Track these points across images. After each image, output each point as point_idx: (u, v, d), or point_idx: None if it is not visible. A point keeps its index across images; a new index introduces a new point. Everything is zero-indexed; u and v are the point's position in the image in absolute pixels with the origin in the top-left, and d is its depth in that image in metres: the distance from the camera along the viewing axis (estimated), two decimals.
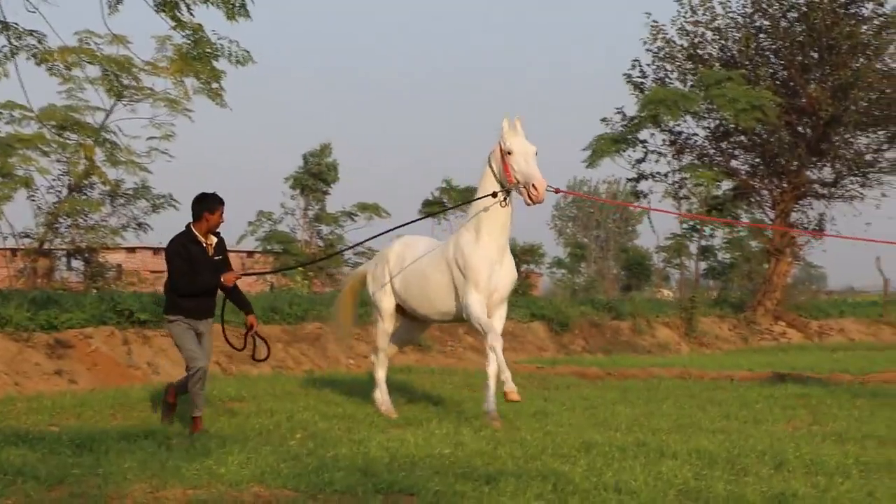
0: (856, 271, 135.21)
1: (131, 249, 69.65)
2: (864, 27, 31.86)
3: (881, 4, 31.83)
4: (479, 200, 11.70)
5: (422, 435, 10.10)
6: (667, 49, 33.30)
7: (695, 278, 37.45)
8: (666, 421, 11.41)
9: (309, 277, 35.87)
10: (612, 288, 56.54)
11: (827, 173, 33.60)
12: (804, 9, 31.65)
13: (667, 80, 33.16)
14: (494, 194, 11.52)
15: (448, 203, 41.10)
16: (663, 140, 32.73)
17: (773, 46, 32.69)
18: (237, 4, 10.77)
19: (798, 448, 9.09)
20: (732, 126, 30.88)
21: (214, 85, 12.99)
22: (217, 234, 10.93)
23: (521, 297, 37.42)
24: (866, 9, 31.93)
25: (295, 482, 7.75)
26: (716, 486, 7.23)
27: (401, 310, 12.84)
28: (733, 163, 33.76)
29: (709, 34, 33.17)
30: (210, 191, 10.86)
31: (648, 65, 33.58)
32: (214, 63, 13.82)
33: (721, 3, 32.82)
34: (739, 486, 7.23)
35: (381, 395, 12.70)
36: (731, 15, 32.96)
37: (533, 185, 11.18)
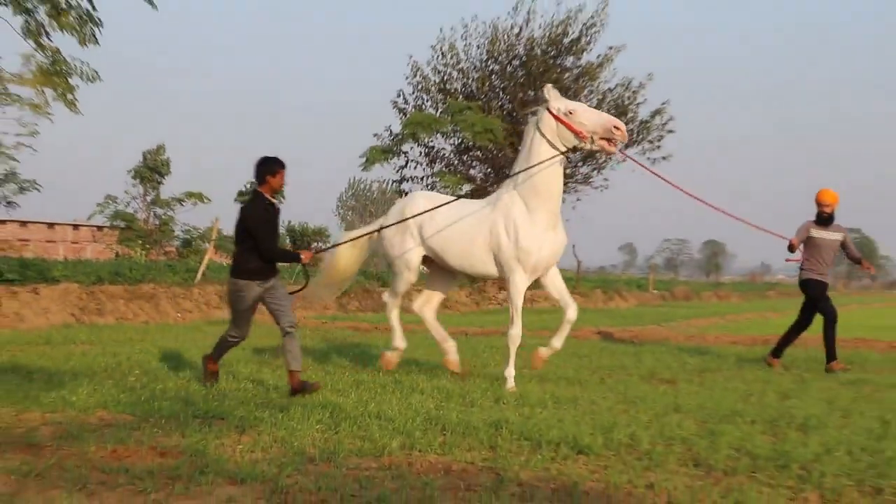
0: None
1: (23, 223, 67.04)
2: (567, 74, 32.87)
3: (579, 58, 33.01)
4: (533, 168, 9.57)
5: (232, 373, 10.12)
6: (423, 83, 33.74)
7: None
8: (415, 364, 11.62)
9: (146, 248, 35.74)
10: (381, 263, 56.70)
11: None
12: (524, 58, 32.58)
13: (423, 107, 33.56)
14: (572, 150, 9.71)
15: None
16: (420, 152, 33.13)
17: (502, 85, 33.37)
18: (87, 34, 10.55)
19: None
20: (471, 143, 31.40)
21: (69, 96, 12.62)
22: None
23: (312, 269, 37.59)
24: (569, 61, 33.01)
25: (131, 409, 7.74)
26: (450, 414, 7.45)
27: (428, 261, 10.67)
28: (472, 171, 34.29)
29: (455, 73, 33.68)
30: (271, 154, 8.87)
31: (410, 94, 34.04)
32: (69, 79, 13.48)
33: (464, 51, 33.48)
34: (468, 415, 7.46)
35: (396, 336, 10.92)
36: (471, 60, 33.59)
37: (616, 127, 9.25)
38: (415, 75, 33.74)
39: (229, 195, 44.63)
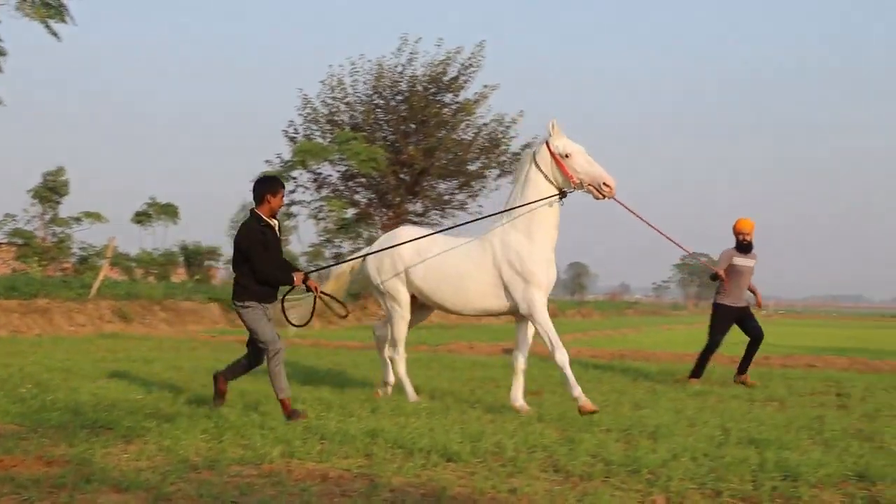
0: None
1: None
2: (446, 109, 33.07)
3: (457, 95, 33.29)
4: (535, 203, 8.65)
5: (122, 384, 9.80)
6: (312, 114, 33.51)
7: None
8: (301, 377, 11.31)
9: (43, 264, 34.66)
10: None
11: (419, 207, 34.53)
12: (407, 94, 32.65)
13: (312, 136, 33.28)
14: (562, 195, 8.73)
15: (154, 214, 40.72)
16: (308, 178, 32.83)
17: (386, 118, 33.32)
18: None
19: (389, 397, 9.42)
20: (356, 171, 31.29)
21: None
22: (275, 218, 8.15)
23: (203, 284, 36.85)
24: (447, 97, 33.22)
25: (21, 419, 7.44)
26: (329, 424, 7.35)
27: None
28: (356, 196, 34.08)
29: (342, 106, 33.52)
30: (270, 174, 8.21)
31: (300, 125, 33.73)
32: None
33: (351, 86, 33.39)
34: (346, 424, 7.36)
35: (409, 390, 9.44)
36: (357, 94, 33.50)
37: (605, 184, 8.49)
38: (305, 107, 33.52)
39: (126, 215, 43.50)
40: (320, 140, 32.74)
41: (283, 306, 8.48)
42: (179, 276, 42.97)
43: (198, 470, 5.74)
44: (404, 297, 9.27)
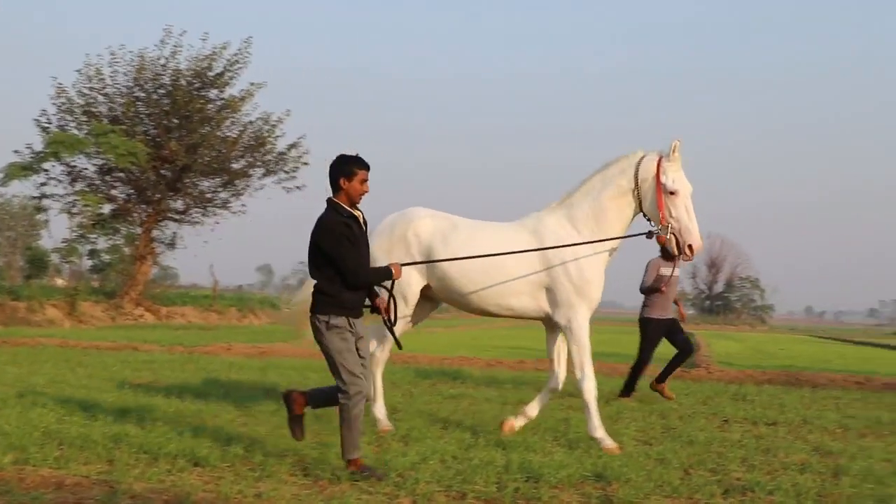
0: (200, 272, 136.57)
1: None
2: (210, 106, 32.30)
3: (222, 91, 32.58)
4: (603, 195, 7.48)
5: None
6: (67, 105, 31.63)
7: (81, 272, 36.15)
8: (44, 378, 10.79)
9: None
10: (17, 276, 52.71)
11: (180, 204, 33.51)
12: (170, 88, 31.60)
13: (67, 127, 31.41)
14: (650, 234, 7.50)
15: None
16: (62, 170, 30.99)
17: (147, 112, 32.09)
18: None
19: (140, 395, 9.05)
20: (114, 165, 29.85)
21: None
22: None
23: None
24: (212, 94, 32.45)
25: None
26: (70, 429, 6.99)
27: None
28: (114, 191, 32.62)
29: (100, 97, 31.89)
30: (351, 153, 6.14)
31: (54, 115, 31.65)
32: None
33: (110, 77, 31.88)
34: (89, 429, 7.03)
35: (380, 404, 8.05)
36: (117, 85, 31.99)
37: (689, 247, 7.26)
38: (59, 96, 31.58)
39: None
40: (76, 132, 30.97)
41: (392, 301, 6.47)
42: None
43: None
44: (414, 291, 7.79)
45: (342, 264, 5.93)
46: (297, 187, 34.18)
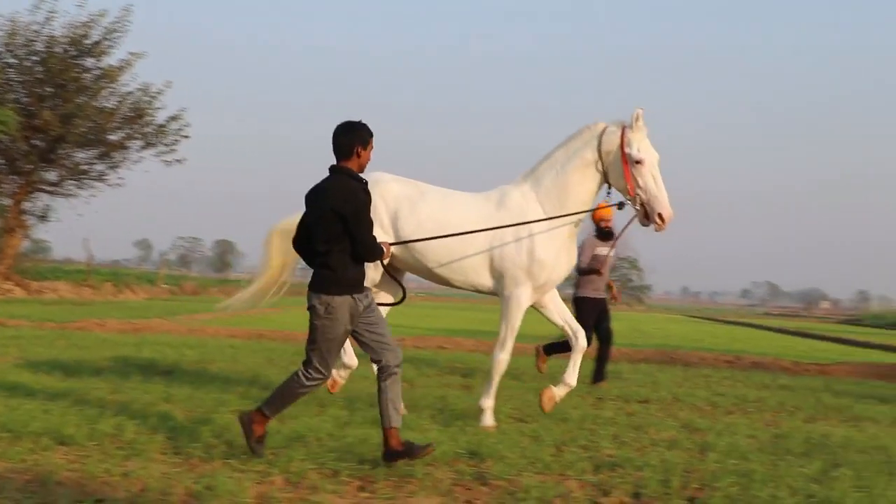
0: (74, 246, 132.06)
1: None
2: (87, 75, 31.13)
3: (99, 60, 31.46)
4: (567, 168, 7.37)
5: None
6: None
7: None
8: None
9: None
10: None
11: (53, 176, 32.24)
12: (44, 55, 30.32)
13: None
14: (620, 206, 7.39)
15: None
16: None
17: (20, 79, 30.69)
18: None
19: (5, 372, 8.72)
20: None
21: None
22: None
23: None
24: (89, 62, 31.28)
25: None
26: None
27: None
28: None
29: None
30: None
31: None
32: None
33: None
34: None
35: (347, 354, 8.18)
36: None
37: (659, 215, 7.12)
38: None
39: None
40: None
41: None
42: None
43: None
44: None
45: (361, 236, 5.56)
46: (178, 160, 33.39)
